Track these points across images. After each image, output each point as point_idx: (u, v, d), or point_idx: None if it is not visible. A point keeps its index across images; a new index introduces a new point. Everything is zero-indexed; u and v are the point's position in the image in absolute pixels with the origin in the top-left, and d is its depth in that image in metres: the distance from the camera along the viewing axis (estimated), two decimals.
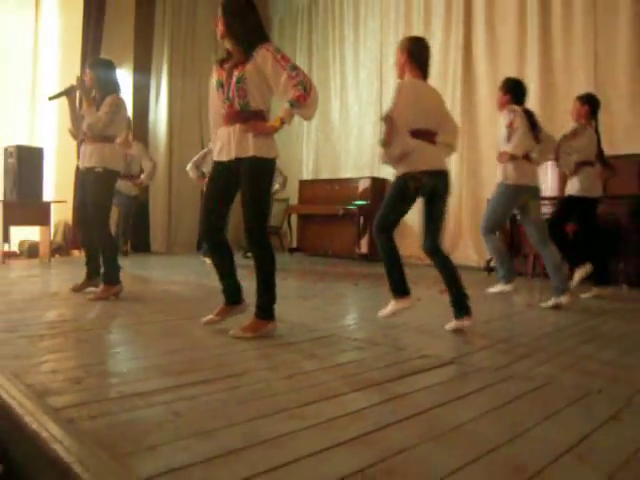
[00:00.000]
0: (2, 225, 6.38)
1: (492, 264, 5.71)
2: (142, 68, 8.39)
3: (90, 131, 3.93)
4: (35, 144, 7.04)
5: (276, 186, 7.04)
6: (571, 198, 4.43)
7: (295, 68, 2.67)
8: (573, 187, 4.42)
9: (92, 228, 4.01)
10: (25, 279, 5.02)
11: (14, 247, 7.20)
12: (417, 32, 7.30)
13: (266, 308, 2.80)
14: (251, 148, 2.71)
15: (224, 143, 2.80)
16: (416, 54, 3.13)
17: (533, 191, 4.05)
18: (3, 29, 7.38)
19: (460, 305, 3.00)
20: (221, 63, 2.87)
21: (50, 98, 4.36)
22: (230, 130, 2.77)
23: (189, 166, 6.62)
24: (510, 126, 3.97)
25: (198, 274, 5.64)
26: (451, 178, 3.16)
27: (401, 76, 3.18)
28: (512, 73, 6.21)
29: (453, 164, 6.75)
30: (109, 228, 4.08)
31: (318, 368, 2.23)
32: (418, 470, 1.35)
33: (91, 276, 4.20)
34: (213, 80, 2.86)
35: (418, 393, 1.94)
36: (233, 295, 2.99)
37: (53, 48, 7.66)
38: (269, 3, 9.68)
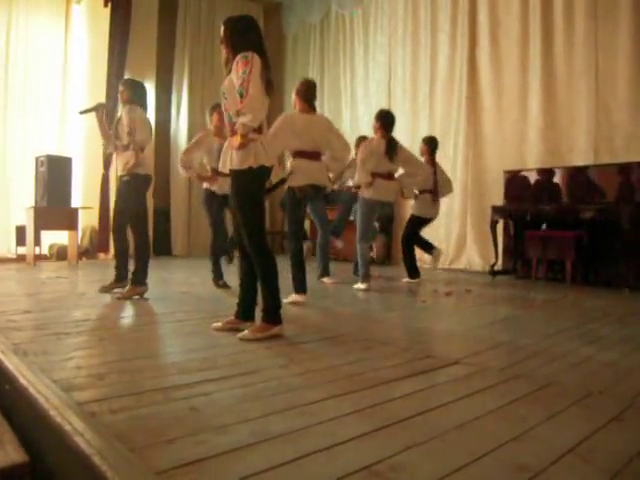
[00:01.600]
0: (33, 229, 6.45)
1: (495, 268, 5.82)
2: (164, 82, 8.45)
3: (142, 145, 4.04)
4: (64, 154, 7.10)
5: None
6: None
7: (243, 73, 2.53)
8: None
9: (132, 232, 4.07)
10: (54, 280, 5.05)
11: (44, 250, 7.26)
12: (424, 47, 7.31)
13: (272, 312, 2.74)
14: (229, 161, 2.73)
15: (222, 156, 2.85)
16: (305, 92, 3.96)
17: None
18: (35, 45, 7.47)
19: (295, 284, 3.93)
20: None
21: (80, 112, 4.47)
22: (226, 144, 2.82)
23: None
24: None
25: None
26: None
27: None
28: (516, 85, 6.20)
29: (459, 172, 6.72)
30: (146, 232, 4.18)
31: (328, 367, 2.21)
32: (423, 467, 1.33)
33: (119, 278, 4.22)
34: None
35: (424, 392, 1.91)
36: (246, 311, 2.92)
37: (81, 63, 7.75)
38: (283, 22, 9.72)
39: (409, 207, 6.01)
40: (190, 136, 8.65)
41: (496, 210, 5.89)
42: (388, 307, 4.12)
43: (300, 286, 3.89)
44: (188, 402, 1.73)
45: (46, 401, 1.67)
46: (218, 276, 4.67)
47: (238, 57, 2.61)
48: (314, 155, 3.94)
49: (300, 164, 3.88)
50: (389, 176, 4.80)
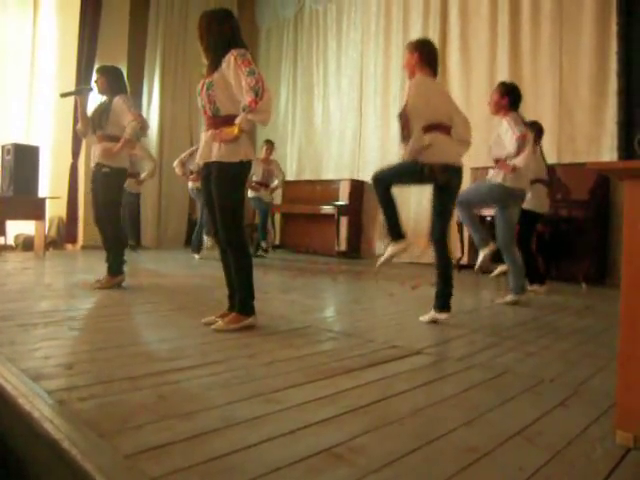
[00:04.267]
0: None
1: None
2: (135, 71, 8.34)
3: (135, 136, 4.00)
4: (31, 142, 6.98)
5: (275, 182, 7.19)
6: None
7: (252, 73, 2.58)
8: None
9: (108, 223, 4.04)
10: (20, 271, 4.99)
11: (10, 240, 7.14)
12: (396, 44, 7.40)
13: (245, 304, 2.78)
14: (215, 154, 2.72)
15: (201, 147, 2.84)
16: (427, 54, 3.16)
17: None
18: (2, 30, 7.30)
19: (442, 300, 3.11)
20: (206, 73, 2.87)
21: (61, 95, 4.31)
22: (205, 135, 2.81)
23: (175, 163, 6.71)
24: (521, 139, 3.65)
25: (186, 268, 5.66)
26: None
27: (411, 76, 3.17)
28: (484, 85, 6.33)
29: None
30: (120, 223, 4.13)
31: (294, 357, 2.28)
32: (380, 449, 1.40)
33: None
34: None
35: (385, 380, 1.99)
36: (232, 302, 2.91)
37: (50, 49, 7.59)
38: (257, 15, 9.69)
39: None
40: (161, 125, 8.60)
41: None
42: (355, 299, 4.20)
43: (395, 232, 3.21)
44: (156, 390, 1.78)
45: (14, 389, 1.70)
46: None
47: (235, 53, 2.64)
48: (449, 131, 3.17)
49: (439, 138, 3.06)
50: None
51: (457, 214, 5.88)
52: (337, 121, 8.26)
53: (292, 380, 1.94)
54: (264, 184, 7.11)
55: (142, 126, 3.96)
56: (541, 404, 1.78)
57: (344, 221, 7.47)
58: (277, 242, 8.63)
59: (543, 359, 2.41)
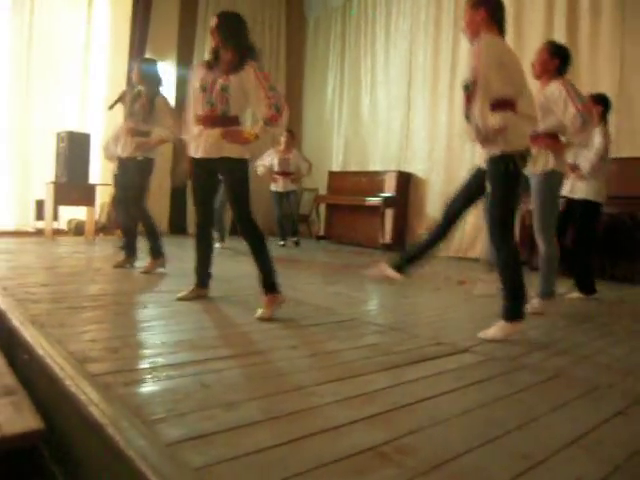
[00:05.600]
0: (52, 204, 6.53)
1: None
2: (185, 61, 8.43)
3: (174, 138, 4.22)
4: (84, 130, 7.15)
5: (302, 170, 7.16)
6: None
7: (273, 89, 2.84)
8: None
9: (138, 211, 4.20)
10: (71, 255, 5.13)
11: (62, 225, 7.35)
12: (446, 34, 7.20)
13: (275, 283, 2.88)
14: (227, 150, 2.90)
15: (203, 142, 2.94)
16: (494, 10, 2.56)
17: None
18: (58, 23, 7.49)
19: (507, 306, 2.58)
20: (209, 66, 2.97)
21: (110, 107, 4.62)
22: (210, 132, 2.91)
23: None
24: (586, 112, 3.00)
25: (230, 255, 5.69)
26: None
27: (474, 37, 2.60)
28: None
29: (477, 160, 6.66)
30: (146, 208, 4.27)
31: (338, 349, 2.24)
32: (428, 450, 1.34)
33: (130, 253, 4.35)
34: (197, 83, 2.95)
35: (432, 378, 1.92)
36: (206, 279, 3.19)
37: (103, 41, 7.76)
38: (305, 4, 9.63)
39: None
40: None
41: None
42: (400, 293, 4.13)
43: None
44: (198, 378, 1.77)
45: (62, 371, 1.72)
46: None
47: (254, 65, 2.84)
48: (515, 107, 2.52)
49: (515, 120, 2.48)
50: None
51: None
52: (384, 112, 8.13)
53: (335, 374, 1.89)
54: (283, 173, 7.04)
55: (177, 136, 4.07)
56: (599, 411, 1.68)
57: (389, 213, 7.35)
58: (321, 233, 8.60)
59: (598, 363, 2.29)
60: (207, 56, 3.09)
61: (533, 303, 3.21)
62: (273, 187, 7.14)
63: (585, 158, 3.75)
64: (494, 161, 2.50)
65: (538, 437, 1.46)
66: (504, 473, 1.24)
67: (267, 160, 7.01)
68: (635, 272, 4.88)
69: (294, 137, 7.28)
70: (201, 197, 3.10)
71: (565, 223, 3.75)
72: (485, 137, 2.46)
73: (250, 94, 2.85)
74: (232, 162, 2.91)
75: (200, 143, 2.96)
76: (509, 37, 6.24)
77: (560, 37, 5.89)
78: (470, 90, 2.48)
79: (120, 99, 4.42)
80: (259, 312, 2.75)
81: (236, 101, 2.88)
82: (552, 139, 3.12)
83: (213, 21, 2.92)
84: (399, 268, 2.74)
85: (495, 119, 2.41)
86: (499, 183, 2.50)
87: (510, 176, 2.48)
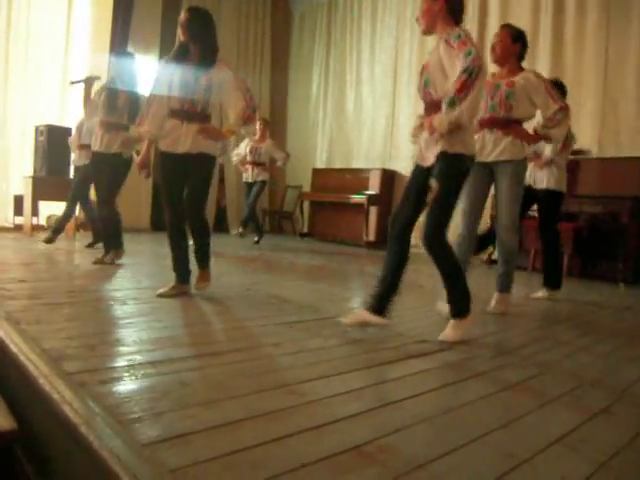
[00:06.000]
0: (31, 199, 6.41)
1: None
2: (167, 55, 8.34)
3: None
4: (64, 124, 7.03)
5: (278, 163, 6.93)
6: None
7: (249, 91, 3.05)
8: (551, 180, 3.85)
9: (110, 205, 4.13)
10: (51, 251, 5.03)
11: (42, 221, 7.23)
12: None
13: (208, 262, 3.22)
14: (203, 146, 3.01)
15: (177, 136, 2.99)
16: (454, 2, 2.41)
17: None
18: (38, 14, 7.35)
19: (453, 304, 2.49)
20: (177, 60, 3.02)
21: (71, 82, 4.83)
22: (186, 126, 2.98)
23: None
24: (565, 110, 3.03)
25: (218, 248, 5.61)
26: None
27: (429, 28, 2.45)
28: None
29: None
30: (115, 203, 4.32)
31: (321, 347, 2.20)
32: (411, 449, 1.32)
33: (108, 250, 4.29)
34: (168, 77, 2.99)
35: (415, 376, 1.90)
36: (186, 275, 3.19)
37: (84, 33, 7.65)
38: (290, 0, 9.58)
39: None
40: None
41: None
42: None
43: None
44: (179, 376, 1.73)
45: (35, 369, 1.66)
46: None
47: (231, 66, 3.11)
48: None
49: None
50: None
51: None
52: (369, 109, 8.12)
53: (319, 372, 1.86)
54: (253, 163, 6.76)
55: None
56: (583, 409, 1.67)
57: (373, 211, 7.34)
58: (305, 230, 8.57)
59: (582, 361, 2.29)
60: (174, 50, 3.08)
61: (493, 303, 3.20)
62: (244, 177, 6.91)
63: (547, 146, 3.75)
64: (447, 157, 2.33)
65: (522, 436, 1.44)
66: (489, 473, 1.22)
67: (242, 149, 6.85)
68: (617, 271, 4.92)
69: (267, 126, 7.00)
70: (173, 194, 3.09)
71: (523, 213, 3.64)
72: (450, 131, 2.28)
73: (226, 93, 3.01)
74: (203, 157, 3.02)
75: (179, 138, 2.98)
76: (493, 30, 6.29)
77: (546, 37, 5.96)
78: (475, 71, 2.24)
79: (84, 81, 4.43)
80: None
81: (214, 100, 3.03)
82: (521, 127, 3.10)
83: (183, 16, 2.96)
84: (379, 311, 2.46)
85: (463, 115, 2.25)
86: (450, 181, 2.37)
87: (461, 177, 2.39)
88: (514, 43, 3.12)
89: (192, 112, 2.98)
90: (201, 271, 3.22)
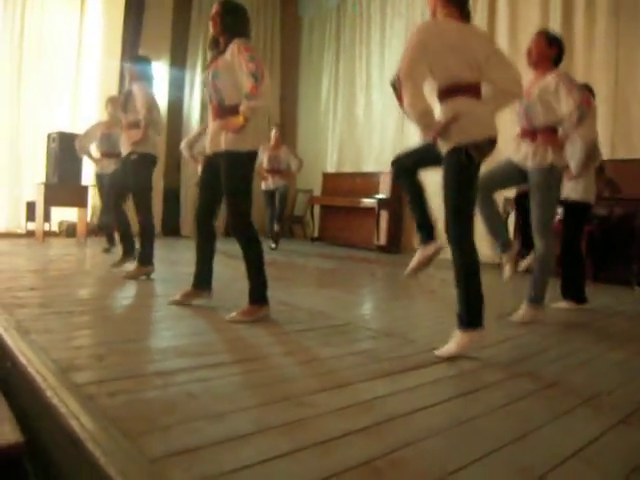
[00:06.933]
0: (43, 205, 6.45)
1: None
2: (178, 62, 8.37)
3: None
4: (76, 131, 7.07)
5: (292, 168, 6.90)
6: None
7: (253, 58, 2.59)
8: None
9: (137, 211, 4.02)
10: (61, 257, 5.05)
11: (54, 227, 7.27)
12: None
13: (258, 292, 2.77)
14: (223, 143, 2.72)
15: (209, 137, 2.83)
16: None
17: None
18: (50, 23, 7.41)
19: (460, 312, 2.38)
20: (211, 60, 2.87)
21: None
22: (213, 125, 2.81)
23: (183, 144, 6.35)
24: (585, 104, 2.88)
25: (222, 258, 5.61)
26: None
27: (432, 17, 2.41)
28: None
29: None
30: (151, 211, 4.07)
31: (332, 356, 2.17)
32: (424, 464, 1.29)
33: (127, 253, 4.26)
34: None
35: (427, 386, 1.87)
36: (205, 280, 3.01)
37: (95, 42, 7.69)
38: (299, 5, 9.57)
39: None
40: (203, 116, 8.60)
41: (508, 202, 5.80)
42: (394, 296, 4.08)
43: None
44: (186, 388, 1.70)
45: (44, 381, 1.65)
46: None
47: (238, 41, 2.68)
48: (478, 90, 2.31)
49: (469, 106, 2.25)
50: None
51: (502, 209, 5.69)
52: (379, 113, 8.08)
53: (329, 382, 1.83)
54: (273, 170, 6.78)
55: (152, 117, 3.91)
56: (599, 420, 1.62)
57: (384, 215, 7.30)
58: (316, 234, 8.54)
59: (598, 369, 2.24)
60: (208, 47, 2.98)
61: (520, 312, 3.13)
62: (263, 186, 6.85)
63: (573, 157, 3.54)
64: (448, 154, 2.26)
65: (537, 450, 1.40)
66: None
67: (260, 157, 6.85)
68: (631, 274, 4.84)
69: (281, 132, 7.01)
70: (206, 193, 2.94)
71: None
72: (425, 128, 2.24)
73: (237, 72, 2.65)
74: (228, 155, 2.72)
75: (207, 139, 2.86)
76: (503, 35, 6.22)
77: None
78: (397, 85, 2.34)
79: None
80: (232, 313, 2.73)
81: (229, 87, 2.71)
82: (550, 133, 3.01)
83: (215, 7, 2.79)
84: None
85: (423, 106, 2.19)
86: (451, 176, 2.28)
87: (462, 169, 2.24)
88: (550, 47, 3.06)
89: (214, 108, 2.79)
90: (249, 302, 2.78)
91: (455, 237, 2.30)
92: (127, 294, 3.43)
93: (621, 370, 2.24)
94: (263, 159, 6.75)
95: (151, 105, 3.90)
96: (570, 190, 3.63)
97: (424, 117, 2.20)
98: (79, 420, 1.38)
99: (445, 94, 2.28)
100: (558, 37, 3.16)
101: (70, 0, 7.60)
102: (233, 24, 2.75)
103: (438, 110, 2.31)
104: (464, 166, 2.22)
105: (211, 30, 2.84)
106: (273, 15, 9.45)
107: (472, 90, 2.27)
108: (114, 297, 3.31)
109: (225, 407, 1.56)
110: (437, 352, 2.27)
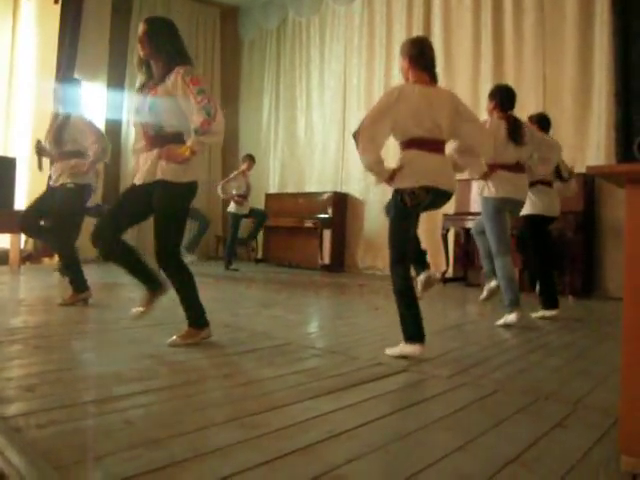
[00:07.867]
0: None
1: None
2: (116, 82, 8.20)
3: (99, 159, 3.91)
4: (9, 154, 6.79)
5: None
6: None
7: (202, 92, 2.44)
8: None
9: (60, 239, 3.85)
10: None
11: None
12: (379, 57, 7.36)
13: (197, 315, 2.69)
14: (161, 172, 2.55)
15: (142, 167, 2.64)
16: (417, 58, 2.68)
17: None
18: None
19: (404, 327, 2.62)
20: (142, 86, 2.68)
21: (40, 167, 4.26)
22: (148, 154, 2.62)
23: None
24: None
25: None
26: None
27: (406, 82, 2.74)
28: (468, 94, 6.28)
29: None
30: (71, 239, 3.91)
31: (274, 376, 2.14)
32: (367, 479, 1.28)
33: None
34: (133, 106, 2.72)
35: (370, 401, 1.86)
36: (153, 281, 2.78)
37: (29, 61, 7.44)
38: (239, 26, 9.62)
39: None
40: None
41: (448, 219, 5.96)
42: (339, 314, 4.08)
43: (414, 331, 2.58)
44: (123, 415, 1.63)
45: None
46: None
47: (182, 70, 2.49)
48: (433, 145, 2.61)
49: (413, 157, 2.58)
50: (517, 167, 3.67)
51: (442, 226, 5.85)
52: (320, 134, 8.18)
53: (270, 402, 1.80)
54: (245, 196, 7.18)
55: (103, 149, 3.84)
56: (538, 425, 1.66)
57: (327, 234, 7.35)
58: (259, 256, 8.48)
59: (535, 376, 2.30)
60: (136, 68, 2.75)
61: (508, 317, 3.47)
62: (237, 209, 7.11)
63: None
64: (392, 195, 2.65)
65: (478, 457, 1.42)
66: None
67: (241, 182, 7.12)
68: (564, 284, 5.05)
69: (254, 163, 7.48)
70: (120, 218, 2.70)
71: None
72: (376, 175, 2.63)
73: (181, 103, 2.50)
74: (166, 185, 2.54)
75: (140, 168, 2.65)
76: (439, 62, 6.46)
77: (487, 64, 6.17)
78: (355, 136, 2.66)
79: (39, 152, 4.09)
80: (173, 337, 2.63)
81: (169, 116, 2.55)
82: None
83: (141, 28, 2.60)
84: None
85: (374, 157, 2.56)
86: (392, 213, 2.64)
87: (400, 209, 2.59)
88: (490, 101, 3.74)
89: (147, 137, 2.62)
90: (188, 326, 2.71)
91: (391, 264, 2.63)
92: (62, 322, 3.27)
93: (558, 375, 2.31)
94: (241, 184, 7.10)
95: (100, 138, 3.84)
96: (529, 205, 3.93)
97: (374, 166, 2.58)
98: (4, 454, 1.30)
99: (402, 146, 2.65)
100: (497, 90, 3.77)
101: (1, 17, 7.35)
102: (164, 45, 2.56)
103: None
104: (399, 207, 2.59)
105: (140, 52, 2.63)
106: (213, 36, 9.46)
107: (425, 144, 2.58)
108: (48, 325, 3.16)
109: (163, 433, 1.50)
110: (387, 350, 2.58)
